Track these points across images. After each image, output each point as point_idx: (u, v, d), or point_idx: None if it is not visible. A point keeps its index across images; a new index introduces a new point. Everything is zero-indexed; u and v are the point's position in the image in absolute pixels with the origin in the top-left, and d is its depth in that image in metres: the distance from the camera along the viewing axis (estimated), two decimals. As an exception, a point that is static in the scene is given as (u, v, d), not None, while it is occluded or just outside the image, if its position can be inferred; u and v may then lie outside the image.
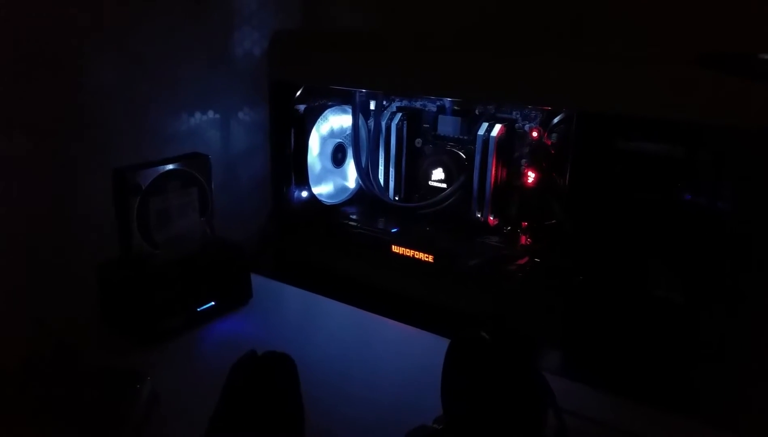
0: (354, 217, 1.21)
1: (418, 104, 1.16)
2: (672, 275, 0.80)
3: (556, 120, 0.99)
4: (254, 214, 1.21)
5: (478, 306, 0.98)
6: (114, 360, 0.79)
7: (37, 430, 0.66)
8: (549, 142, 1.00)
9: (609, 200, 0.83)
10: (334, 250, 1.15)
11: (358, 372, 0.81)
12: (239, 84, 1.13)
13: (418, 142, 1.17)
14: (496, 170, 1.05)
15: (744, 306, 0.76)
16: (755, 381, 0.78)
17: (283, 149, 1.15)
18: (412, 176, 1.18)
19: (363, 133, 1.20)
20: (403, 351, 0.87)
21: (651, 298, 0.81)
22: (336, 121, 1.20)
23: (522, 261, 1.00)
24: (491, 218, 1.08)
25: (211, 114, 1.09)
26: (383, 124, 1.17)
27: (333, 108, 1.19)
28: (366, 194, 1.23)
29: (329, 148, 1.19)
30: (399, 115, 1.15)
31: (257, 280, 0.99)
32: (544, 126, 1.01)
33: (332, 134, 1.20)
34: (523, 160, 1.05)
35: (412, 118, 1.16)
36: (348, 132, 1.21)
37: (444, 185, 1.13)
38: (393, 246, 1.08)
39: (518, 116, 1.05)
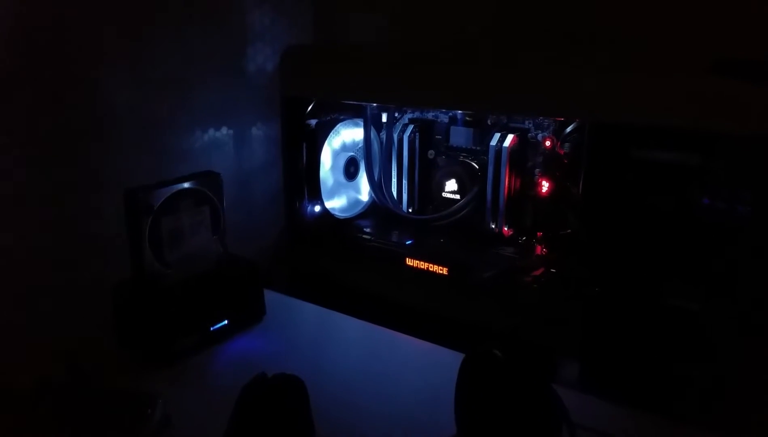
0: (367, 230, 1.20)
1: (430, 115, 1.16)
2: (688, 284, 0.79)
3: (568, 129, 0.98)
4: (268, 229, 1.21)
5: (493, 319, 0.97)
6: (127, 381, 0.79)
7: (50, 452, 0.67)
8: (562, 152, 0.99)
9: (623, 209, 0.82)
10: (348, 264, 1.15)
11: (372, 389, 0.80)
12: (252, 99, 1.14)
13: (431, 153, 1.16)
14: (510, 180, 1.04)
15: (761, 315, 0.74)
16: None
17: (295, 164, 1.15)
18: (426, 188, 1.17)
19: (375, 145, 1.20)
20: (417, 367, 0.86)
21: (667, 308, 0.79)
22: (348, 135, 1.20)
23: (537, 272, 0.99)
24: (505, 229, 1.07)
25: (224, 130, 1.10)
26: (395, 136, 1.17)
27: (345, 121, 1.18)
28: (379, 207, 1.23)
29: (341, 162, 1.19)
30: (411, 126, 1.14)
31: (271, 296, 0.99)
32: (557, 135, 1.00)
33: (344, 148, 1.20)
34: (537, 170, 1.04)
35: (424, 129, 1.15)
36: (360, 145, 1.21)
37: (457, 196, 1.13)
38: (407, 259, 1.07)
39: (531, 126, 1.04)
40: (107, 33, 0.89)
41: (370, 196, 1.24)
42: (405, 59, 1.01)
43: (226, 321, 0.89)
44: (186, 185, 0.86)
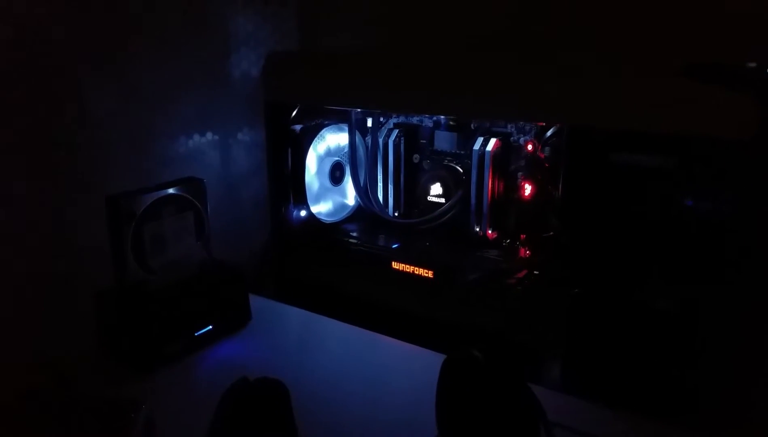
0: (354, 234, 1.21)
1: (414, 120, 1.16)
2: (668, 285, 0.79)
3: (549, 133, 0.99)
4: (254, 235, 1.22)
5: (478, 321, 0.98)
6: (112, 388, 0.79)
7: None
8: (543, 156, 1.00)
9: (602, 212, 0.83)
10: (335, 268, 1.15)
11: (356, 392, 0.81)
12: (237, 105, 1.14)
13: (416, 157, 1.17)
14: (493, 184, 1.05)
15: (741, 315, 0.75)
16: (755, 391, 0.77)
17: (280, 169, 1.15)
18: (411, 192, 1.18)
19: (360, 150, 1.20)
20: (402, 370, 0.87)
21: (647, 308, 0.80)
22: (333, 140, 1.20)
23: (521, 275, 1.00)
24: (490, 231, 1.08)
25: (209, 136, 1.10)
26: (380, 140, 1.17)
27: (329, 126, 1.19)
28: (365, 211, 1.24)
29: (327, 167, 1.20)
30: (396, 131, 1.15)
31: (257, 301, 0.99)
32: (539, 139, 1.01)
33: (329, 153, 1.20)
34: (520, 173, 1.05)
35: (409, 134, 1.16)
36: (345, 150, 1.21)
37: (442, 200, 1.13)
38: (393, 263, 1.08)
39: (513, 130, 1.05)
40: (91, 41, 0.89)
41: (356, 201, 1.25)
42: (388, 64, 1.02)
43: (210, 327, 0.89)
44: (169, 191, 0.87)
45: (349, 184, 1.24)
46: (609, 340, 0.83)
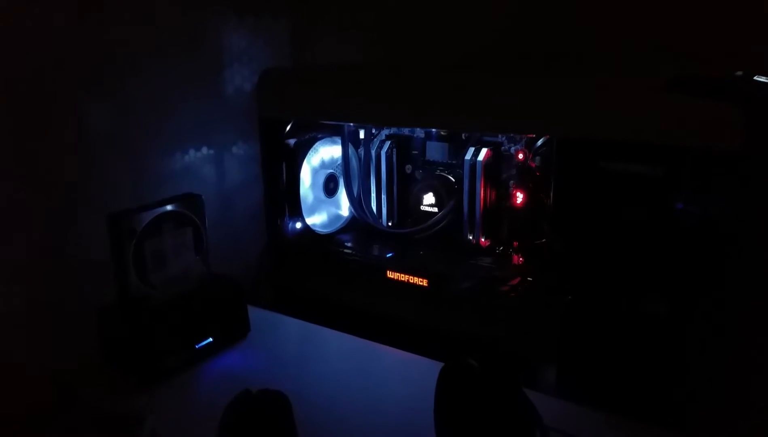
0: (348, 244, 1.23)
1: (406, 131, 1.18)
2: (659, 291, 0.81)
3: (539, 143, 1.01)
4: (251, 247, 1.23)
5: (473, 329, 0.99)
6: (115, 401, 0.80)
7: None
8: (533, 165, 1.02)
9: (592, 219, 0.85)
10: (330, 279, 1.17)
11: (355, 402, 0.82)
12: (232, 119, 1.16)
13: (408, 168, 1.19)
14: (485, 193, 1.07)
15: (732, 320, 0.78)
16: (748, 395, 0.79)
17: (275, 182, 1.17)
18: (404, 202, 1.20)
19: (353, 162, 1.22)
20: (400, 378, 0.89)
21: (640, 314, 0.82)
22: (326, 152, 1.22)
23: (514, 282, 1.02)
24: (483, 240, 1.10)
25: (204, 150, 1.11)
26: (373, 152, 1.19)
27: (323, 139, 1.21)
28: (359, 222, 1.25)
29: (321, 179, 1.22)
30: (388, 142, 1.17)
31: (255, 313, 1.00)
32: (529, 148, 1.03)
33: (323, 165, 1.22)
34: (511, 182, 1.07)
35: (401, 145, 1.18)
36: (339, 162, 1.23)
37: (435, 209, 1.15)
38: (388, 272, 1.10)
39: (503, 139, 1.07)
40: (87, 57, 0.90)
41: (350, 212, 1.27)
42: (382, 80, 1.04)
43: (210, 339, 0.91)
44: (168, 208, 0.88)
45: (343, 196, 1.25)
46: (603, 345, 0.85)
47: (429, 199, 1.16)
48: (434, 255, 1.14)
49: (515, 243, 1.08)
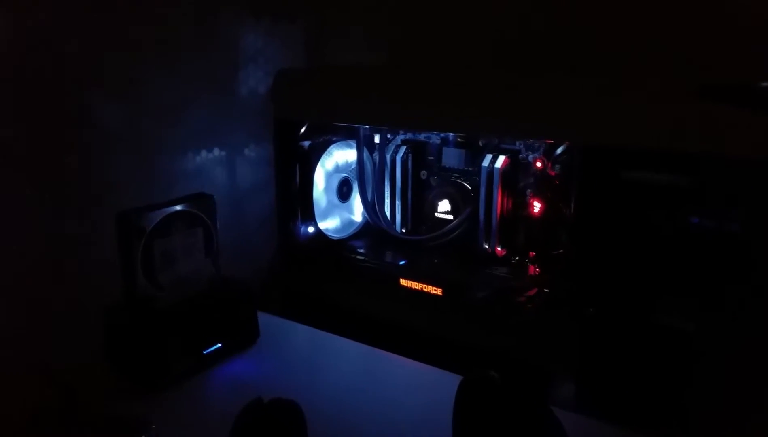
0: (361, 250, 1.20)
1: (422, 137, 1.16)
2: (682, 304, 0.79)
3: (558, 151, 0.99)
4: (261, 251, 1.21)
5: (489, 340, 0.97)
6: (119, 406, 0.78)
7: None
8: (553, 173, 1.00)
9: (615, 229, 0.83)
10: (342, 285, 1.15)
11: (367, 412, 0.80)
12: (245, 121, 1.14)
13: (424, 174, 1.17)
14: (502, 201, 1.05)
15: (755, 333, 0.75)
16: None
17: (288, 185, 1.15)
18: (419, 208, 1.18)
19: (368, 166, 1.20)
20: (413, 390, 0.86)
21: (662, 328, 0.80)
22: (341, 156, 1.20)
23: (531, 293, 0.99)
24: (498, 249, 1.07)
25: (216, 151, 1.10)
26: (388, 157, 1.17)
27: (337, 143, 1.19)
28: (372, 227, 1.23)
29: (335, 183, 1.19)
30: (403, 148, 1.15)
31: (265, 318, 0.98)
32: (548, 156, 1.01)
33: (337, 169, 1.20)
34: (529, 191, 1.04)
35: (417, 150, 1.16)
36: (353, 166, 1.21)
37: (450, 217, 1.13)
38: (401, 280, 1.07)
39: (521, 147, 1.05)
40: (102, 56, 0.89)
41: (364, 217, 1.25)
42: (397, 82, 1.02)
43: (219, 345, 0.88)
44: (178, 207, 0.86)
45: (356, 200, 1.23)
46: (626, 360, 0.82)
47: (444, 206, 1.14)
48: (449, 263, 1.12)
49: (531, 254, 1.06)
